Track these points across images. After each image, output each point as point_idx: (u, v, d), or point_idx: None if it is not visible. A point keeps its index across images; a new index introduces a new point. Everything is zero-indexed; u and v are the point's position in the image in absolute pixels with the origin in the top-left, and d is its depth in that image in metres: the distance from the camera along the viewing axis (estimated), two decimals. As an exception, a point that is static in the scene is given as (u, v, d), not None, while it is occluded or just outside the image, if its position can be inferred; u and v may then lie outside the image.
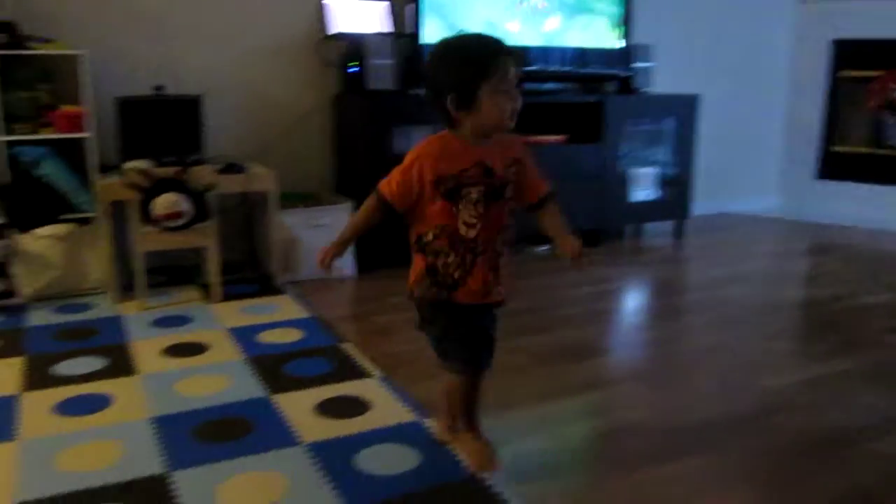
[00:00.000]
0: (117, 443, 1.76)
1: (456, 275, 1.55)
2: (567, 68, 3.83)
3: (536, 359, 2.37)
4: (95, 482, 1.58)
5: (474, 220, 1.53)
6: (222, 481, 1.59)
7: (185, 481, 1.59)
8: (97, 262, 2.94)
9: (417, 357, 2.27)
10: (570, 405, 2.07)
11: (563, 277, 3.29)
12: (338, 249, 1.59)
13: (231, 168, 3.03)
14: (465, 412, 1.70)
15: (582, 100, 3.94)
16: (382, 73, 3.31)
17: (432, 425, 1.84)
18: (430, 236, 1.54)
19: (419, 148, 1.53)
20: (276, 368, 2.23)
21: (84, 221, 2.95)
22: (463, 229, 1.53)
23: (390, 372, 2.20)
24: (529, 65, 3.67)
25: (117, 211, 2.83)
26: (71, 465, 1.66)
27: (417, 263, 1.59)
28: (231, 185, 2.99)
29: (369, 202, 1.55)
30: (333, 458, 1.69)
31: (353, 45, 3.38)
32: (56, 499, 1.52)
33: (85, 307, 2.82)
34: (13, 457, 1.70)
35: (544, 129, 3.81)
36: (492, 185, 1.53)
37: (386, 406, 1.98)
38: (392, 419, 1.90)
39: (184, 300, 2.92)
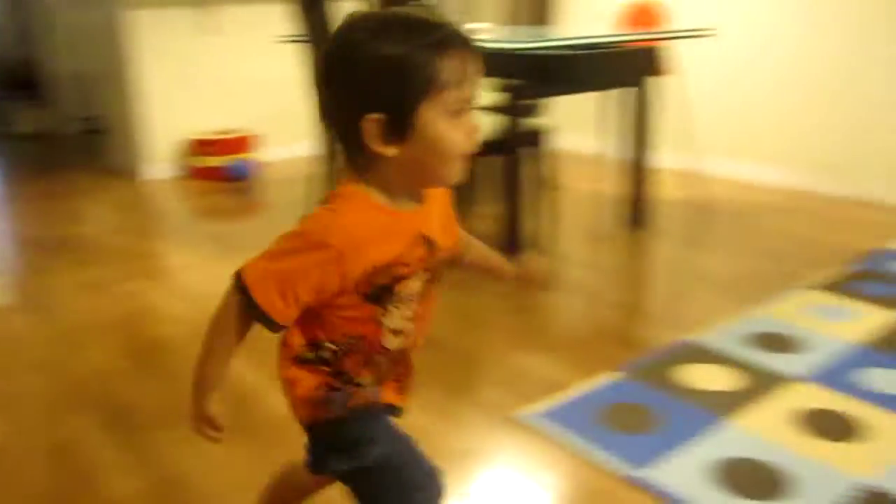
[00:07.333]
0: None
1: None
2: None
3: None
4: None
5: (408, 325, 0.97)
6: None
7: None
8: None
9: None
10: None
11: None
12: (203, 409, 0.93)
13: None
14: None
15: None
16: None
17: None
18: (331, 350, 0.95)
19: (331, 230, 0.86)
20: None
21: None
22: (388, 339, 0.96)
23: None
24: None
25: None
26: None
27: (303, 380, 0.96)
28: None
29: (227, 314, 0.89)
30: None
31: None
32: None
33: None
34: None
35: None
36: (436, 267, 0.97)
37: None
38: None
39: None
